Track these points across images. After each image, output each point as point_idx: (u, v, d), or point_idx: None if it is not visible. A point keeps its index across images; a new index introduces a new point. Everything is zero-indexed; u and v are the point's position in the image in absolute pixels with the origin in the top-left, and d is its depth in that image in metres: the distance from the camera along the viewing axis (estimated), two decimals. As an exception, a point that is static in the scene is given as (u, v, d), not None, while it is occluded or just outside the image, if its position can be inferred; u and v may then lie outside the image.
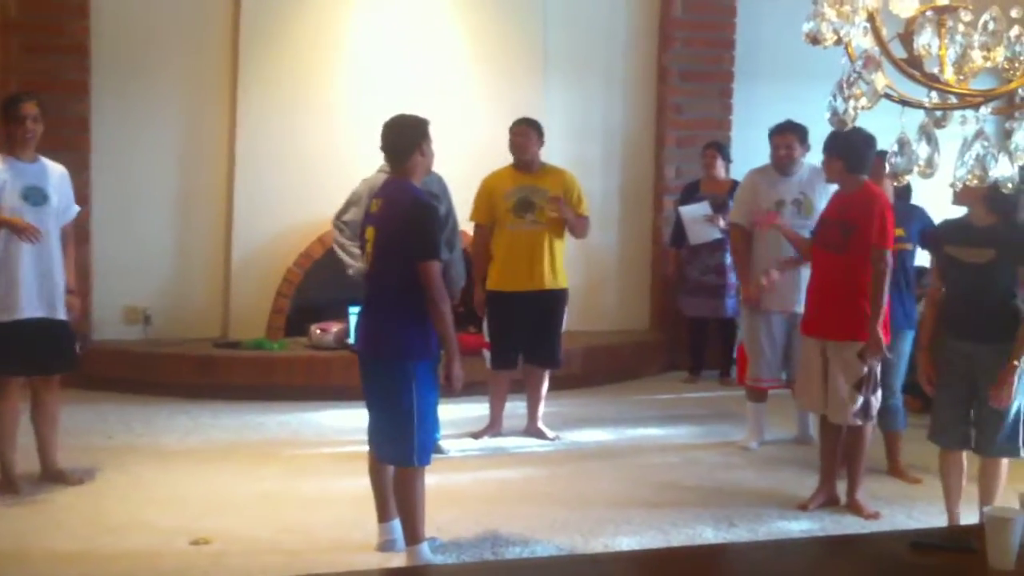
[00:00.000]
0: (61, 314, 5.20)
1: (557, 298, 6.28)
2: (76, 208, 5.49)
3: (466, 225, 6.35)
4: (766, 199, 6.02)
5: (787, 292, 5.90)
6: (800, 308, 5.90)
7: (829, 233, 5.07)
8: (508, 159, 6.33)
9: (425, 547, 4.25)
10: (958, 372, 4.48)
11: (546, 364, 6.32)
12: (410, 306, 4.17)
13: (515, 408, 6.48)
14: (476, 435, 6.28)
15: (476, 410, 6.58)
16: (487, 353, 6.28)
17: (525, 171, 6.24)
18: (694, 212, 7.66)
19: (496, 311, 6.25)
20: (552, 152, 8.24)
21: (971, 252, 4.44)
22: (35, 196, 5.13)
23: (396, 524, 4.37)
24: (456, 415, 6.48)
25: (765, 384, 6.12)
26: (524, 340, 6.24)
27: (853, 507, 5.09)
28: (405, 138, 4.30)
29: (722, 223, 7.36)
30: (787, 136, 6.05)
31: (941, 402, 4.58)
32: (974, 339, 4.41)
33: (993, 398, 4.30)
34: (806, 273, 5.87)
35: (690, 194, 7.92)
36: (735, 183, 6.99)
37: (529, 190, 6.19)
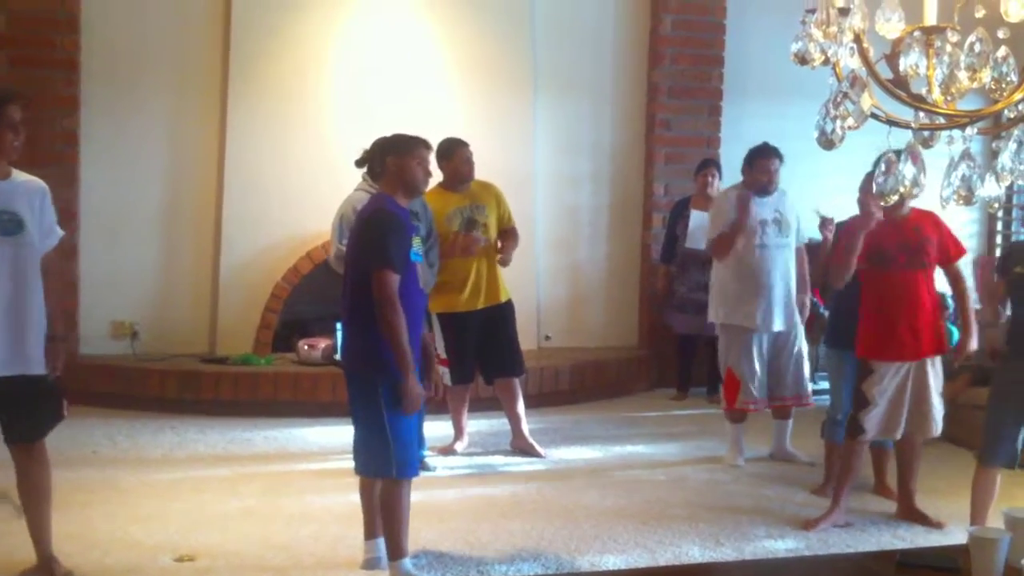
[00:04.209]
0: (39, 368, 4.14)
1: (511, 309, 6.29)
2: (60, 232, 4.32)
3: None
4: (752, 218, 6.04)
5: (771, 312, 6.01)
6: (782, 327, 5.95)
7: (917, 251, 5.00)
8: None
9: (407, 562, 4.23)
10: (1020, 393, 4.52)
11: (514, 373, 6.28)
12: (373, 319, 4.09)
13: (502, 425, 6.47)
14: (445, 450, 6.27)
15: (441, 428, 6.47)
16: (445, 370, 6.22)
17: (456, 191, 6.12)
18: (703, 218, 7.55)
19: (454, 333, 6.16)
20: (541, 168, 8.31)
21: None
22: (7, 223, 4.04)
23: (382, 542, 4.34)
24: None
25: (753, 407, 6.11)
26: (485, 355, 6.23)
27: (918, 518, 5.13)
28: (374, 154, 4.36)
29: None
30: (773, 160, 6.11)
31: (998, 421, 4.59)
32: None
33: None
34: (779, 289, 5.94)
35: (681, 211, 7.91)
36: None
37: (471, 209, 6.11)
